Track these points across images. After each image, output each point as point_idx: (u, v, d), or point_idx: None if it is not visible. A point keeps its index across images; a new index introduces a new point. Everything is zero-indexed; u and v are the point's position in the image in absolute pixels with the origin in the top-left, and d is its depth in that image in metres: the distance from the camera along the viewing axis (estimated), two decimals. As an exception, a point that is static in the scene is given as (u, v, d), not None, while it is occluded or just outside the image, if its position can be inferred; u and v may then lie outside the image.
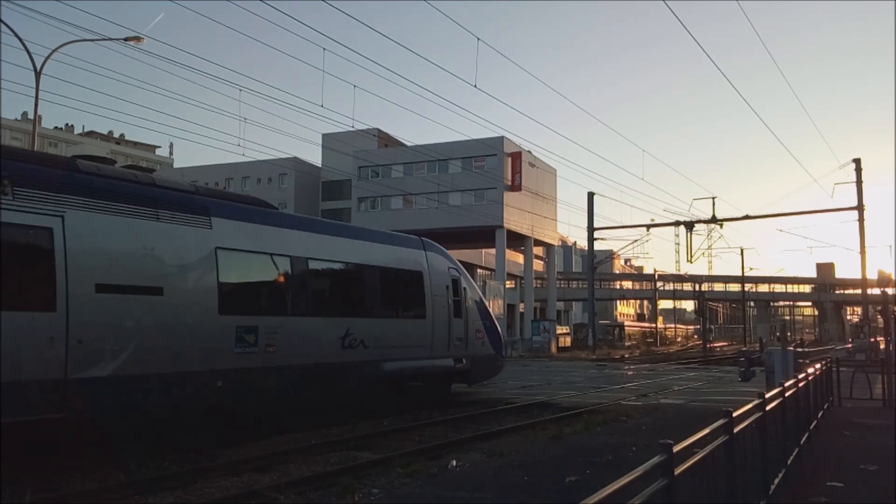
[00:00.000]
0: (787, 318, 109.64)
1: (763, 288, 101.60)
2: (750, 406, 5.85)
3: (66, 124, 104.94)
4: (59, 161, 10.99)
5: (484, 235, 57.88)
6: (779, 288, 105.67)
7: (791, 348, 18.66)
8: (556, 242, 69.82)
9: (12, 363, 8.53)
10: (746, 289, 74.51)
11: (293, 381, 12.70)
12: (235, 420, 12.28)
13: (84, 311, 9.53)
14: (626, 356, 47.50)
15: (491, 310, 19.53)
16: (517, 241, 60.02)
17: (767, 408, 6.41)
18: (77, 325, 9.37)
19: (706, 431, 4.35)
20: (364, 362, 14.18)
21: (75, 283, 9.48)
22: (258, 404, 12.61)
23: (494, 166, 57.38)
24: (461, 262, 19.00)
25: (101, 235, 10.00)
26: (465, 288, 17.59)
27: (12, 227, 8.93)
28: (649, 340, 77.60)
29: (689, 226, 37.07)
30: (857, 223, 32.61)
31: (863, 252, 32.79)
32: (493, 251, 60.65)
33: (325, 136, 58.46)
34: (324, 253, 14.07)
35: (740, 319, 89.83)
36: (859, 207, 32.70)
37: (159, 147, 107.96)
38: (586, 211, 39.06)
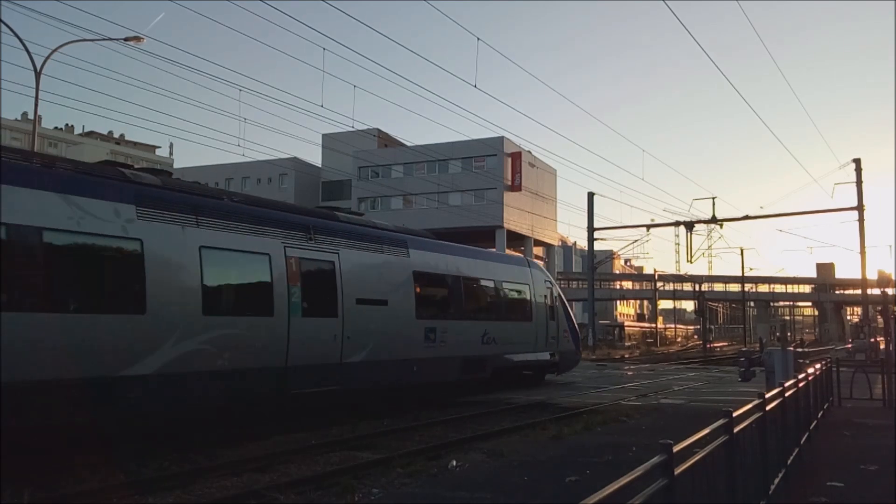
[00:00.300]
0: (787, 318, 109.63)
1: (763, 288, 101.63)
2: (750, 406, 5.85)
3: (66, 124, 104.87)
4: (188, 186, 13.60)
5: (484, 235, 57.84)
6: (779, 288, 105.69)
7: (791, 348, 18.66)
8: (556, 242, 69.84)
9: (318, 352, 13.35)
10: (746, 289, 74.53)
11: (455, 368, 17.41)
12: (424, 395, 16.65)
13: (350, 317, 14.07)
14: (626, 356, 47.48)
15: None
16: (517, 241, 60.02)
17: (767, 408, 6.41)
18: (347, 327, 13.93)
19: (706, 431, 4.35)
20: (495, 355, 18.79)
21: (346, 298, 14.08)
22: (435, 386, 17.12)
23: (494, 166, 57.39)
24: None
25: (357, 265, 14.68)
26: (556, 296, 22.33)
27: (315, 261, 13.78)
28: (649, 340, 77.58)
29: (689, 226, 37.05)
30: (857, 223, 32.63)
31: (863, 252, 32.80)
32: (493, 251, 60.57)
33: (325, 136, 58.38)
34: (470, 272, 18.66)
35: (740, 319, 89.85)
36: (859, 207, 32.70)
37: (159, 147, 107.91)
38: (586, 211, 39.05)
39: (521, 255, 23.10)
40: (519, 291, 20.69)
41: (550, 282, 22.42)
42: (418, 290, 16.31)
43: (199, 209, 11.75)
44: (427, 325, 16.29)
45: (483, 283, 19.32)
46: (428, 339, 16.29)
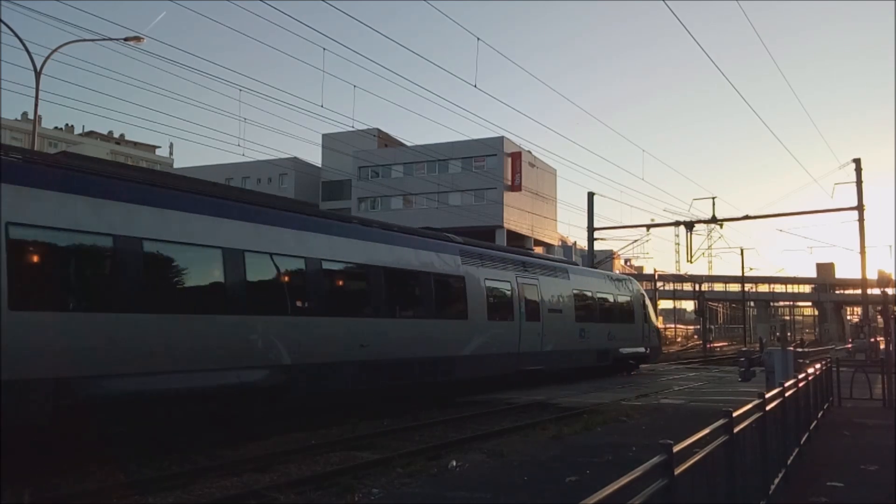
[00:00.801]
0: (787, 318, 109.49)
1: (763, 288, 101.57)
2: (750, 406, 5.85)
3: (66, 124, 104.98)
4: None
5: (484, 235, 57.40)
6: (779, 288, 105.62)
7: (791, 348, 18.65)
8: (556, 242, 69.80)
9: (532, 343, 20.50)
10: (746, 289, 74.46)
11: (594, 356, 24.46)
12: (576, 375, 23.21)
13: (546, 321, 21.34)
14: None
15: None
16: (517, 241, 59.96)
17: (767, 408, 6.41)
18: (545, 327, 21.23)
19: (706, 431, 4.35)
20: (615, 348, 25.99)
21: (543, 308, 21.34)
22: (583, 369, 23.65)
23: (494, 166, 57.37)
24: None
25: (548, 287, 21.97)
26: (646, 304, 29.26)
27: (529, 285, 20.98)
28: (649, 340, 77.12)
29: (689, 226, 36.95)
30: (857, 223, 32.51)
31: (863, 252, 32.69)
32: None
33: (325, 136, 58.40)
34: (602, 289, 26.08)
35: (740, 319, 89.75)
36: (859, 207, 32.60)
37: (159, 147, 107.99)
38: (586, 211, 38.94)
39: (630, 276, 31.50)
40: (626, 302, 27.85)
41: (643, 293, 29.53)
42: (575, 302, 23.58)
43: (483, 256, 19.51)
44: (580, 326, 23.63)
45: (609, 297, 26.61)
46: (581, 336, 23.59)
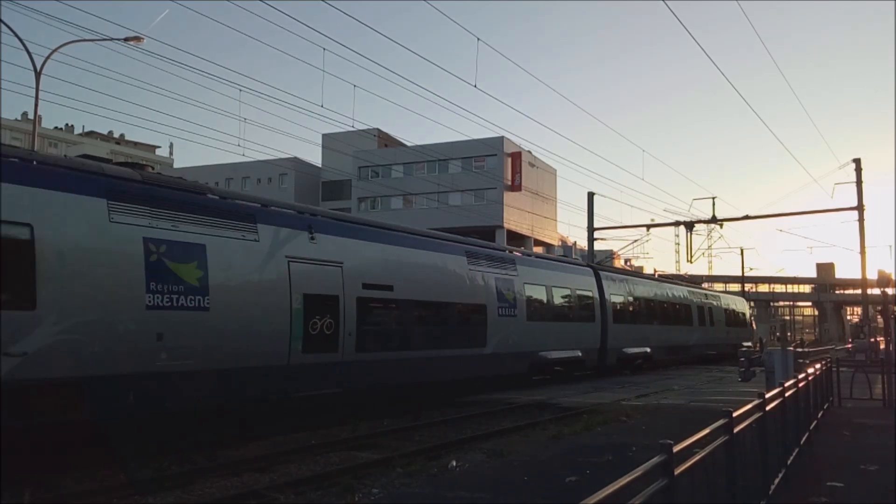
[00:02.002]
0: (787, 318, 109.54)
1: (763, 288, 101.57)
2: (750, 406, 5.85)
3: (66, 124, 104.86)
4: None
5: (484, 235, 57.38)
6: (779, 288, 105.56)
7: (791, 348, 18.65)
8: (556, 242, 69.79)
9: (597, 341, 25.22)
10: (746, 289, 74.43)
11: (666, 352, 31.05)
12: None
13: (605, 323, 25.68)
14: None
15: None
16: (517, 241, 59.95)
17: (767, 408, 6.41)
18: (605, 327, 25.47)
19: (706, 431, 4.35)
20: (699, 345, 34.27)
21: (607, 309, 25.66)
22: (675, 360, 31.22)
23: (494, 166, 57.36)
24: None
25: (615, 293, 26.99)
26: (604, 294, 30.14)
27: (584, 294, 25.07)
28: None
29: (689, 226, 36.93)
30: (857, 223, 32.51)
31: (863, 252, 32.67)
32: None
33: (325, 136, 58.36)
34: (668, 295, 32.41)
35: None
36: (859, 207, 32.58)
37: (159, 147, 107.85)
38: (586, 211, 38.92)
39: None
40: (732, 310, 41.80)
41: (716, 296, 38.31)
42: (659, 307, 31.23)
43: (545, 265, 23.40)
44: (660, 330, 30.92)
45: (681, 301, 34.31)
46: (660, 336, 30.56)
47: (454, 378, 17.41)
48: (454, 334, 17.45)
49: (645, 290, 30.39)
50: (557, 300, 22.79)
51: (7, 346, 8.50)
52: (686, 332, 34.49)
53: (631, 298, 28.51)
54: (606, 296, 25.84)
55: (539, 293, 21.56)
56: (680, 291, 34.89)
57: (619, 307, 27.04)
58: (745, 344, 41.86)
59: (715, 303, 40.07)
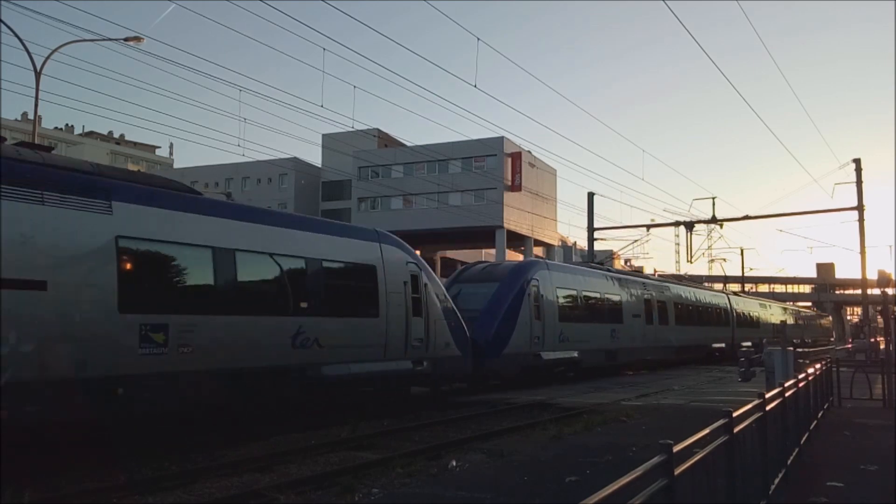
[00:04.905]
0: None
1: (763, 288, 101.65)
2: (750, 406, 5.85)
3: (66, 124, 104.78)
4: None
5: (484, 235, 57.85)
6: (779, 288, 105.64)
7: (791, 348, 18.64)
8: (556, 242, 69.79)
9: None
10: (746, 289, 74.41)
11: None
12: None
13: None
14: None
15: None
16: (517, 241, 60.04)
17: (767, 408, 6.41)
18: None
19: (706, 431, 4.35)
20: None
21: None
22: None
23: (494, 166, 57.36)
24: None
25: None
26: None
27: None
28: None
29: (689, 226, 36.98)
30: (857, 223, 32.55)
31: (863, 252, 32.71)
32: (493, 251, 60.70)
33: (325, 136, 58.40)
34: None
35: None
36: (859, 207, 32.62)
37: (159, 147, 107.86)
38: (586, 211, 38.93)
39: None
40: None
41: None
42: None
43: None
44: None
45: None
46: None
47: None
48: None
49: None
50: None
51: None
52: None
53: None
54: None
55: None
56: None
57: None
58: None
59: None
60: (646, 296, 29.00)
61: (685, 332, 32.50)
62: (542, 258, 33.27)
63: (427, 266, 17.26)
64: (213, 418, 12.05)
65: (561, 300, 22.75)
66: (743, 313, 42.82)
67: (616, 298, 26.75)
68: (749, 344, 29.84)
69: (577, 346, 22.97)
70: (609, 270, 29.00)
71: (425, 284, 16.50)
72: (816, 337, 61.28)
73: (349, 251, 14.81)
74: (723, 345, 37.56)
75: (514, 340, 20.08)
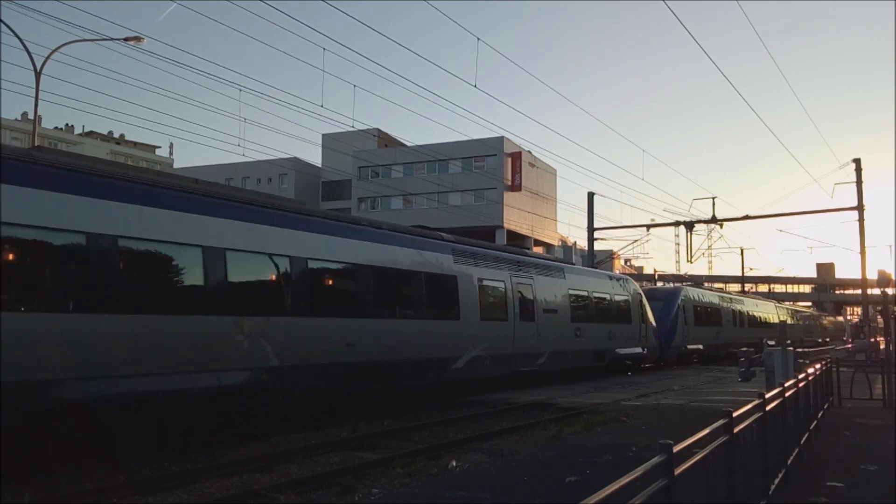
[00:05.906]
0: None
1: (763, 288, 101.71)
2: (750, 406, 5.85)
3: (66, 124, 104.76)
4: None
5: (484, 235, 57.38)
6: (779, 288, 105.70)
7: (791, 348, 18.62)
8: (556, 242, 69.80)
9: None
10: (746, 289, 74.44)
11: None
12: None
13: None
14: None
15: None
16: (517, 241, 59.95)
17: (767, 408, 6.41)
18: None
19: (706, 431, 4.35)
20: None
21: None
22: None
23: (494, 166, 57.38)
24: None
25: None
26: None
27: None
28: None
29: (689, 226, 36.97)
30: (857, 223, 32.54)
31: (863, 252, 32.70)
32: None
33: (325, 136, 58.38)
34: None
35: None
36: (859, 207, 32.61)
37: (159, 147, 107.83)
38: (586, 211, 38.94)
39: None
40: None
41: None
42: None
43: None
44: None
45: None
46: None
47: None
48: None
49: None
50: None
51: None
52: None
53: None
54: None
55: None
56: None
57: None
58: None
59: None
60: (734, 308, 42.10)
61: (752, 332, 42.89)
62: (681, 285, 42.01)
63: (641, 291, 30.25)
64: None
65: (696, 311, 35.02)
66: (790, 320, 53.25)
67: (724, 307, 39.77)
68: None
69: (702, 342, 35.06)
70: (720, 292, 42.82)
71: (644, 304, 29.22)
72: (833, 336, 75.40)
73: (624, 292, 27.74)
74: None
75: (676, 340, 32.50)
